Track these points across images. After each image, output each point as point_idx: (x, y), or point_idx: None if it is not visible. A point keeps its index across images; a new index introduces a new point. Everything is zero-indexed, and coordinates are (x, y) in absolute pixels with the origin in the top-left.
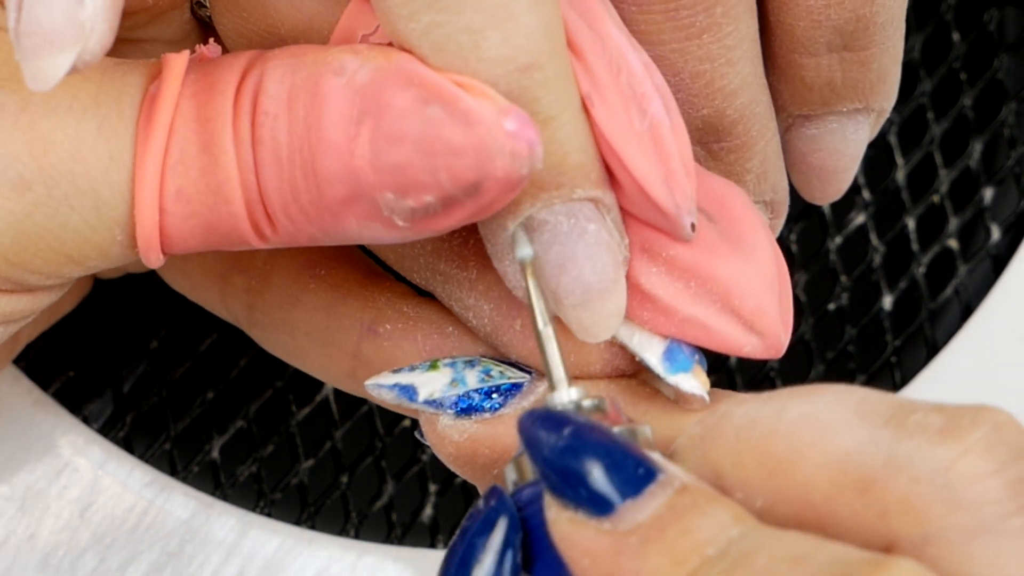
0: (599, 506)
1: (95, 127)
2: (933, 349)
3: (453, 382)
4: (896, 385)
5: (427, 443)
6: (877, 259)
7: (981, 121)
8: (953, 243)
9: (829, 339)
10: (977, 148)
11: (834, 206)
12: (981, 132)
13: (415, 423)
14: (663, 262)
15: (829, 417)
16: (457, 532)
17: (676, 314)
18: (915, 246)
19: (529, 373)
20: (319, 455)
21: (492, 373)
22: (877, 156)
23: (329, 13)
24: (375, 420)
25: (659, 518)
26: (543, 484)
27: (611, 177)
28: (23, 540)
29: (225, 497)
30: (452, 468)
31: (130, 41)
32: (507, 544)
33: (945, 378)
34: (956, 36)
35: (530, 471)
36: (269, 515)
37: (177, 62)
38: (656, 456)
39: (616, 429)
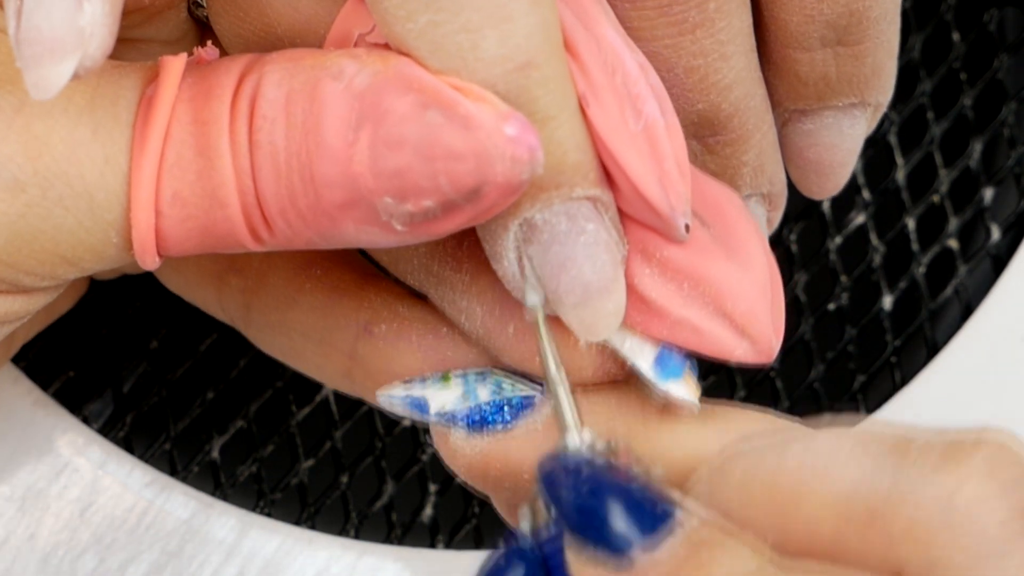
0: (621, 547)
1: (91, 130)
2: (933, 349)
3: (464, 395)
4: (896, 385)
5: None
6: (877, 259)
7: (981, 121)
8: (953, 243)
9: (829, 339)
10: (977, 148)
11: (834, 206)
12: (981, 132)
13: (415, 423)
14: (656, 263)
15: (832, 451)
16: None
17: (668, 316)
18: (915, 246)
19: (540, 385)
20: (319, 455)
21: (503, 386)
22: (877, 156)
23: (326, 13)
24: (375, 420)
25: (679, 556)
26: (563, 526)
27: (607, 177)
28: (23, 540)
29: (225, 497)
30: (463, 480)
31: (127, 41)
32: None
33: (945, 378)
34: (956, 36)
35: (544, 512)
36: (269, 515)
37: (174, 65)
38: (674, 494)
39: (632, 471)
